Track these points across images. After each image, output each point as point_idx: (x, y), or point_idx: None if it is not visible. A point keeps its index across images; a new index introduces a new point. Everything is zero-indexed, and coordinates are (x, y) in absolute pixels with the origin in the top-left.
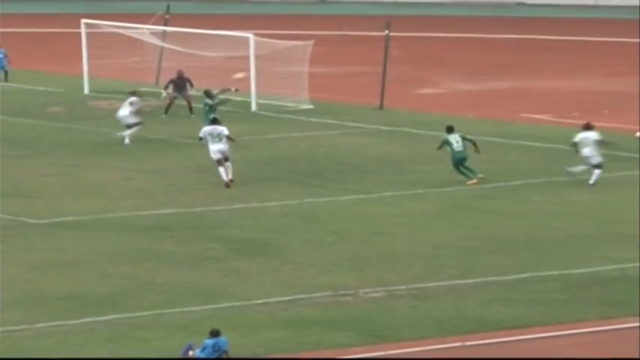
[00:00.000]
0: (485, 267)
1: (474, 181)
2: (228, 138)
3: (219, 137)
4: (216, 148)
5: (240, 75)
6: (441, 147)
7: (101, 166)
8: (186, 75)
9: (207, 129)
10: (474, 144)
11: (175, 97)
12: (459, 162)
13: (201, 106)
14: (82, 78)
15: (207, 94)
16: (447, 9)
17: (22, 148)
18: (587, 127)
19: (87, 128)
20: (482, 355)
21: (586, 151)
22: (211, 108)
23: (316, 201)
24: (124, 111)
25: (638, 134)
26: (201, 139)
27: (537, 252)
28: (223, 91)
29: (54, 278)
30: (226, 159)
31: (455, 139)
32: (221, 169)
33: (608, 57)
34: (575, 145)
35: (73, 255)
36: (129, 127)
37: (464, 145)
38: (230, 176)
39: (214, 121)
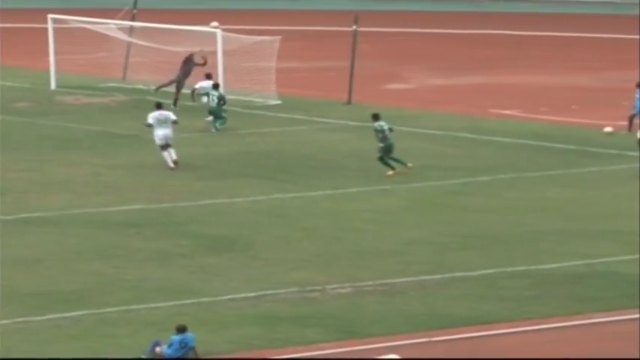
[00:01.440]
0: (454, 263)
1: (394, 172)
2: (174, 122)
3: (165, 122)
4: (161, 134)
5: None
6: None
7: (68, 162)
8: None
9: (154, 114)
10: (391, 130)
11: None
12: (389, 150)
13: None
14: (49, 73)
15: (215, 86)
16: (416, 4)
17: None
18: None
19: (54, 124)
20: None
21: None
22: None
23: (285, 197)
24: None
25: (606, 129)
26: (149, 125)
27: (507, 248)
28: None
29: (21, 275)
30: (168, 145)
31: (382, 127)
32: (165, 154)
33: (578, 52)
34: None
35: (40, 251)
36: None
37: (390, 134)
38: (174, 157)
39: (160, 106)
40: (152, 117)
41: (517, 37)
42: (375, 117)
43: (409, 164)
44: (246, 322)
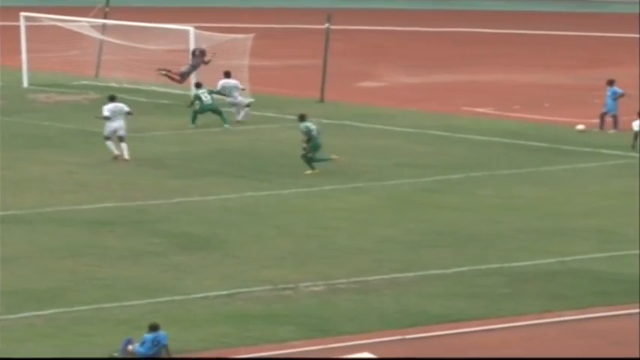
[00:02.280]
0: (427, 261)
1: (313, 172)
2: (128, 114)
3: (120, 113)
4: (113, 126)
5: None
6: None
7: (41, 160)
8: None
9: (109, 107)
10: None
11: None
12: (317, 149)
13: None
14: (21, 71)
15: (198, 85)
16: (389, 2)
17: None
18: None
19: (26, 122)
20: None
21: None
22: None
23: (258, 195)
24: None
25: (579, 127)
26: (107, 117)
27: (480, 245)
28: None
29: None
30: (122, 138)
31: (308, 128)
32: (108, 143)
33: (549, 50)
34: (636, 135)
35: (12, 249)
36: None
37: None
38: (127, 156)
39: (113, 99)
40: (107, 109)
41: (488, 35)
42: (302, 117)
43: (333, 156)
44: (219, 320)
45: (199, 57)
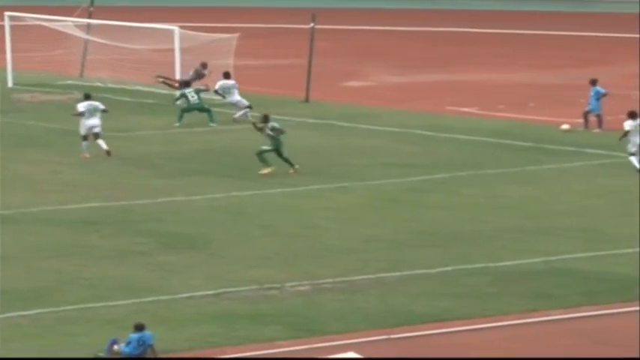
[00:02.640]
0: (413, 260)
1: (271, 170)
2: (103, 111)
3: (95, 111)
4: (89, 124)
5: None
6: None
7: (26, 160)
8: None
9: (84, 104)
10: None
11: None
12: (278, 149)
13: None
14: (5, 71)
15: (187, 84)
16: (375, 2)
17: None
18: (634, 116)
19: (11, 121)
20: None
21: (637, 139)
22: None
23: (243, 194)
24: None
25: (563, 127)
26: (81, 113)
27: (465, 245)
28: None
29: None
30: (97, 135)
31: (275, 127)
32: (85, 144)
33: (534, 50)
34: (625, 134)
35: (1, 249)
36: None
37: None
38: (105, 147)
39: (88, 97)
40: (82, 106)
41: (474, 35)
42: (265, 118)
43: (296, 166)
44: (205, 320)
45: (201, 69)
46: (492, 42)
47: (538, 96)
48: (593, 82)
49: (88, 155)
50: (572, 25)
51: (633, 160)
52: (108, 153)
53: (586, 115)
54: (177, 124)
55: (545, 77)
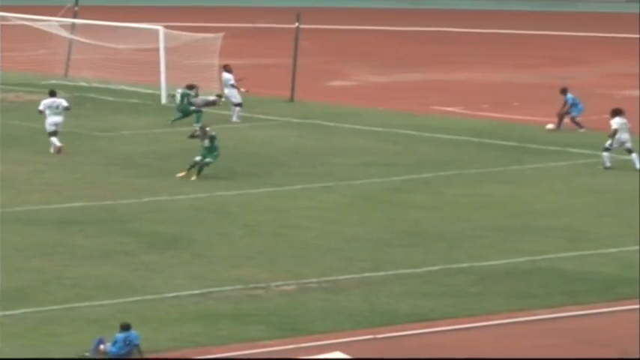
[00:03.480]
0: (396, 260)
1: (185, 174)
2: (66, 109)
3: (57, 109)
4: (52, 121)
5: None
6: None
7: (9, 160)
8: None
9: (46, 102)
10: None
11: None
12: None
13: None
14: None
15: (189, 87)
16: (358, 1)
17: None
18: (620, 113)
19: None
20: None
21: (624, 136)
22: (189, 99)
23: (227, 194)
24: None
25: (549, 126)
26: (41, 112)
27: (449, 244)
28: (208, 101)
29: None
30: (55, 133)
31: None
32: (53, 139)
33: (517, 49)
34: (616, 132)
35: None
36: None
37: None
38: (58, 144)
39: (53, 94)
40: (44, 104)
41: (457, 34)
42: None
43: (194, 178)
44: (189, 320)
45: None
46: (476, 41)
47: (522, 95)
48: (564, 91)
49: (54, 152)
50: (554, 24)
51: (605, 156)
52: (59, 150)
53: (567, 118)
54: (196, 125)
55: (528, 77)
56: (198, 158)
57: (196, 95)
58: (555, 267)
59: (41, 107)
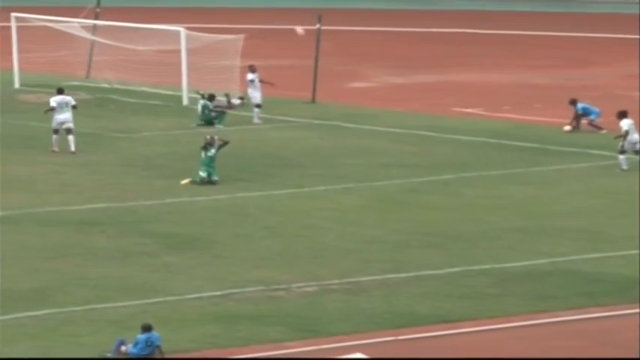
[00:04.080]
0: (416, 261)
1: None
2: (74, 107)
3: (66, 106)
4: (61, 118)
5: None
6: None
7: (29, 161)
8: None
9: (56, 98)
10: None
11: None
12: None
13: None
14: (12, 72)
15: (210, 97)
16: (378, 3)
17: None
18: (627, 114)
19: (15, 122)
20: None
21: (635, 137)
22: (210, 110)
23: (247, 195)
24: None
25: (566, 128)
26: (52, 108)
27: (469, 246)
28: (224, 105)
29: None
30: (69, 131)
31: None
32: (55, 137)
33: (532, 51)
34: (627, 134)
35: (1, 250)
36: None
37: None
38: (72, 148)
39: (61, 92)
40: (54, 100)
41: (476, 36)
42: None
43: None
44: (209, 321)
45: (239, 101)
46: (492, 43)
47: (542, 96)
48: (574, 102)
49: (57, 149)
50: (570, 26)
51: (622, 159)
52: (72, 153)
53: (585, 120)
54: (219, 126)
55: (546, 78)
56: (204, 174)
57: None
58: (575, 268)
59: (53, 104)
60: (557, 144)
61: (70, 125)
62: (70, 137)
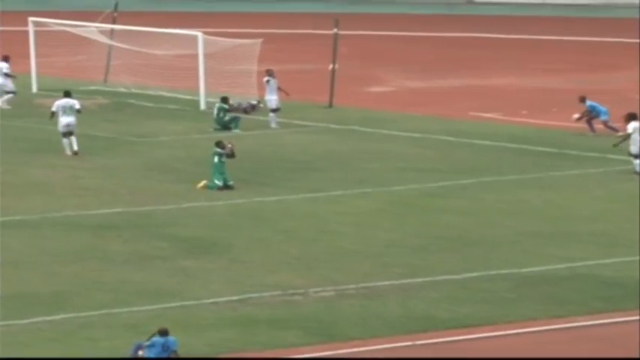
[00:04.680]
0: (434, 266)
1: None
2: (78, 111)
3: (70, 110)
4: (65, 121)
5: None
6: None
7: (47, 165)
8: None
9: (60, 102)
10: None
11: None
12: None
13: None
14: (30, 76)
15: (224, 100)
16: (396, 7)
17: None
18: (635, 117)
19: (33, 126)
20: (434, 354)
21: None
22: (226, 112)
23: (264, 200)
24: None
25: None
26: (54, 113)
27: (486, 250)
28: (239, 108)
29: None
30: (71, 133)
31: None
32: (65, 141)
33: (550, 55)
34: (629, 136)
35: (18, 254)
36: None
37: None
38: (75, 148)
39: (67, 95)
40: (57, 104)
41: (494, 40)
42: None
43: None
44: (226, 325)
45: (257, 105)
46: (509, 47)
47: (560, 101)
48: (583, 99)
49: (69, 152)
50: (587, 30)
51: (636, 163)
52: (75, 153)
53: (599, 124)
54: (236, 130)
55: (564, 82)
56: (220, 183)
57: (232, 105)
58: (593, 273)
59: (54, 108)
60: (576, 149)
61: (72, 129)
62: (72, 138)
